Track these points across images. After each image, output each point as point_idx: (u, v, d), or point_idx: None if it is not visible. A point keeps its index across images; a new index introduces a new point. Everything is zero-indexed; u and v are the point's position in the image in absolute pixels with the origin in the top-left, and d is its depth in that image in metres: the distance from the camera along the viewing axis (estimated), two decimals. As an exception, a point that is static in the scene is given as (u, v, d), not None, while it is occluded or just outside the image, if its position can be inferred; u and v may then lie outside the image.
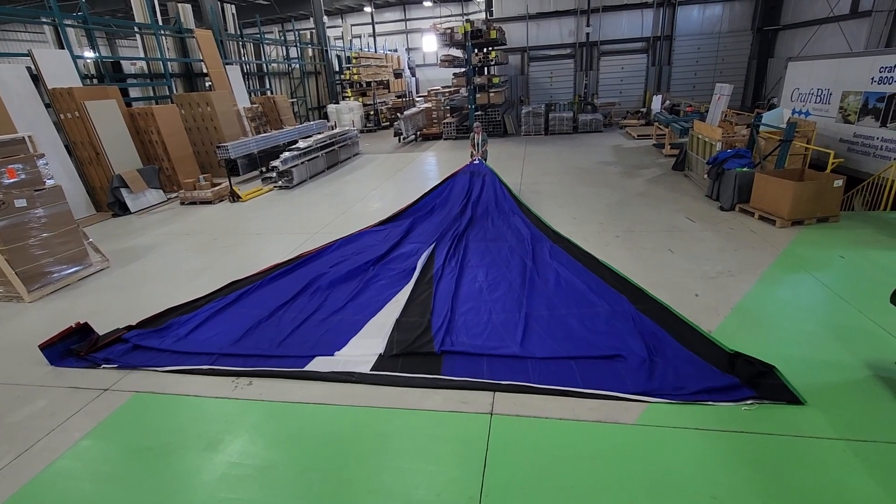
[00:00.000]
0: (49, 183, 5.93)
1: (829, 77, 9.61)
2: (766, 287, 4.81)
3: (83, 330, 4.38)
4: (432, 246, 6.04)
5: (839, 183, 6.34)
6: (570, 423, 3.14)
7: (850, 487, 2.55)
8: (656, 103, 15.88)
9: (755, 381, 3.31)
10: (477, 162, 8.40)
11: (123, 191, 9.27)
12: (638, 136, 14.79)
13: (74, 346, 4.27)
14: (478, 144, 8.97)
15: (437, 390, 3.54)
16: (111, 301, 5.42)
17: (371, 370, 3.76)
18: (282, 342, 4.19)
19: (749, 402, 3.18)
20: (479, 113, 16.44)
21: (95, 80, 11.34)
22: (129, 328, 4.53)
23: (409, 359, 3.87)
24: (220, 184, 10.05)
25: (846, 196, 7.56)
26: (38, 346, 4.18)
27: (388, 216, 7.41)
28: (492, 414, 3.26)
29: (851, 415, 3.04)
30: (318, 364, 3.87)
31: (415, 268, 5.41)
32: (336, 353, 3.99)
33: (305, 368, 3.84)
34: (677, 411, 3.16)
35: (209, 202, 9.69)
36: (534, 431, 3.09)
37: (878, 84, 8.29)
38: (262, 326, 4.44)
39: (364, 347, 4.03)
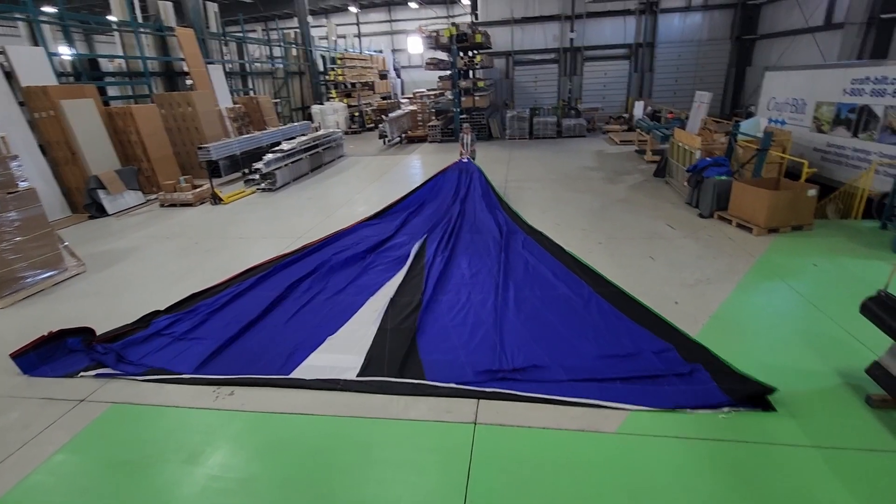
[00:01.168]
0: (22, 185, 5.77)
1: (804, 87, 9.89)
2: (742, 295, 4.93)
3: (59, 336, 4.28)
4: (424, 237, 6.59)
5: (813, 192, 6.53)
6: (552, 431, 3.17)
7: (821, 494, 2.63)
8: (638, 109, 16.13)
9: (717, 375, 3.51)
10: (465, 161, 8.95)
11: (101, 192, 9.06)
12: (620, 141, 15.00)
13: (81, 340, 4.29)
14: (467, 144, 9.55)
15: (421, 398, 3.55)
16: (86, 307, 5.29)
17: (368, 351, 4.06)
18: (289, 320, 4.65)
19: (726, 409, 3.26)
20: (464, 116, 16.49)
21: (72, 79, 11.08)
22: (157, 313, 4.86)
23: (397, 334, 4.28)
24: (201, 185, 9.89)
25: (819, 204, 7.78)
26: (10, 354, 4.06)
27: (382, 208, 7.94)
28: (475, 423, 3.27)
29: (823, 423, 3.14)
30: (326, 345, 4.24)
31: (408, 255, 5.95)
32: (339, 329, 4.45)
33: (292, 375, 3.86)
34: (658, 420, 3.22)
35: (190, 204, 9.53)
36: (517, 441, 3.11)
37: (850, 95, 8.56)
38: (278, 307, 4.90)
39: (363, 324, 4.50)
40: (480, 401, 3.49)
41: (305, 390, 3.70)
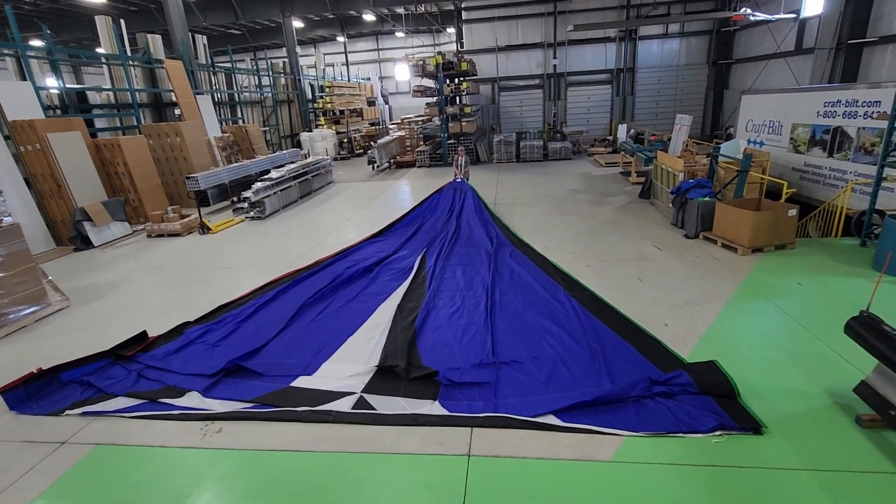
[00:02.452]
0: (6, 220, 5.70)
1: (780, 110, 10.24)
2: (730, 315, 4.99)
3: (52, 372, 4.25)
4: (424, 250, 7.22)
5: (793, 212, 6.69)
6: (547, 462, 3.14)
7: (817, 519, 2.62)
8: (622, 132, 16.52)
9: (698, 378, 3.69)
10: (459, 180, 9.74)
11: (86, 224, 8.97)
12: (606, 163, 15.30)
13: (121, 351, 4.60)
14: (461, 166, 10.52)
15: (415, 428, 3.51)
16: (69, 344, 5.17)
17: (384, 347, 4.48)
18: (311, 324, 5.11)
19: (718, 433, 3.26)
20: (451, 141, 16.74)
21: (59, 111, 11.08)
22: (188, 324, 5.20)
23: (404, 332, 4.73)
24: (189, 215, 9.85)
25: (801, 222, 7.97)
26: None
27: (384, 226, 8.58)
28: (469, 455, 3.23)
29: (815, 444, 3.15)
30: (346, 346, 4.67)
31: (412, 267, 6.55)
32: (357, 330, 4.94)
33: (317, 373, 4.21)
34: (652, 447, 3.20)
35: (178, 234, 9.46)
36: (512, 472, 3.07)
37: (823, 118, 8.88)
38: (302, 315, 5.33)
39: (377, 326, 4.99)
40: (473, 430, 3.45)
41: (297, 424, 3.63)
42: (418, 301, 5.50)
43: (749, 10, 14.73)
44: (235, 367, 4.31)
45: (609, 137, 19.04)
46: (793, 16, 14.40)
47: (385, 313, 5.23)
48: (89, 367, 4.44)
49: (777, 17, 14.67)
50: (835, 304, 5.11)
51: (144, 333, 4.94)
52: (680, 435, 3.27)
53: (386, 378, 4.09)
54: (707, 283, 5.80)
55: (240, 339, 4.86)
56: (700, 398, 3.54)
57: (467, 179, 10.05)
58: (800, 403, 3.55)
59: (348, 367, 4.27)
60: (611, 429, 3.36)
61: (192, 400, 3.96)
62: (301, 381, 4.13)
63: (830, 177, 8.76)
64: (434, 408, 3.69)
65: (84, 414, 3.87)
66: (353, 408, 3.74)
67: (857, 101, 8.10)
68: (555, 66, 20.53)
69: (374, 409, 3.72)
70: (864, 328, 3.28)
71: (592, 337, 4.49)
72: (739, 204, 7.07)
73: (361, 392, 3.92)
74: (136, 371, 4.37)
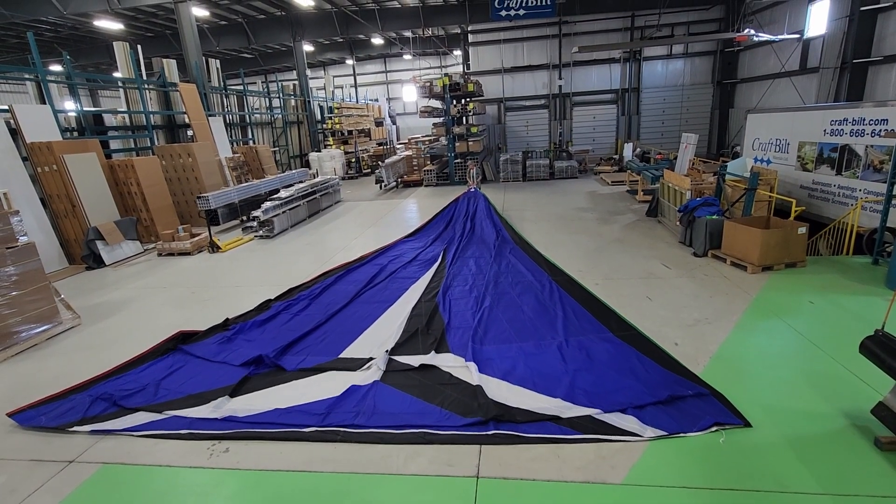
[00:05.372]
0: (22, 240, 5.81)
1: (786, 128, 10.27)
2: (742, 334, 4.92)
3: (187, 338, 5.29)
4: (444, 246, 8.77)
5: (803, 230, 6.65)
6: (557, 484, 3.08)
7: (838, 546, 2.54)
8: (628, 151, 16.59)
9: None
10: (473, 190, 11.44)
11: (99, 243, 9.10)
12: (612, 182, 15.34)
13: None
14: (473, 177, 12.75)
15: (423, 447, 3.49)
16: (80, 362, 5.20)
17: (412, 310, 5.92)
18: (359, 296, 6.58)
19: (713, 428, 3.45)
20: (458, 160, 16.91)
21: (76, 133, 11.36)
22: (270, 301, 6.42)
23: (428, 304, 6.10)
24: (199, 234, 9.96)
25: (811, 240, 7.91)
26: (7, 413, 4.04)
27: (416, 228, 10.23)
28: (478, 477, 3.18)
29: (833, 468, 3.07)
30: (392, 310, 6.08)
31: (437, 259, 8.08)
32: (395, 302, 6.31)
33: (364, 334, 5.38)
34: (665, 468, 3.14)
35: (188, 253, 9.56)
36: (521, 495, 3.02)
37: (831, 136, 8.88)
38: (361, 294, 6.69)
39: (409, 299, 6.38)
40: (483, 450, 3.41)
41: (304, 444, 3.61)
42: (439, 283, 6.92)
43: (753, 31, 14.90)
44: (303, 336, 5.34)
45: (615, 156, 19.13)
46: (796, 36, 14.54)
47: (416, 291, 6.66)
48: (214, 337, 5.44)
49: (781, 37, 14.82)
50: (848, 322, 5.03)
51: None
52: (682, 435, 3.41)
53: (409, 342, 5.10)
54: (717, 302, 5.74)
55: (314, 310, 6.12)
56: (694, 402, 3.77)
57: (479, 188, 11.94)
58: (816, 425, 3.48)
59: (384, 332, 5.36)
60: (615, 413, 3.69)
61: (217, 408, 4.11)
62: (348, 351, 5.01)
63: (839, 194, 8.71)
64: (439, 356, 4.74)
65: (93, 432, 3.88)
66: (385, 365, 4.60)
67: (864, 119, 8.11)
68: (560, 86, 20.78)
69: (403, 364, 4.64)
70: (880, 347, 3.23)
71: (558, 304, 5.81)
72: (748, 222, 7.04)
73: (389, 354, 4.80)
74: (228, 336, 5.39)
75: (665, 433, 3.44)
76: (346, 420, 3.82)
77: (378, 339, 5.21)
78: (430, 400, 4.03)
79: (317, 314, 5.94)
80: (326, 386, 4.33)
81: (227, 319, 5.84)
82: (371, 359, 4.74)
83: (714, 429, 3.45)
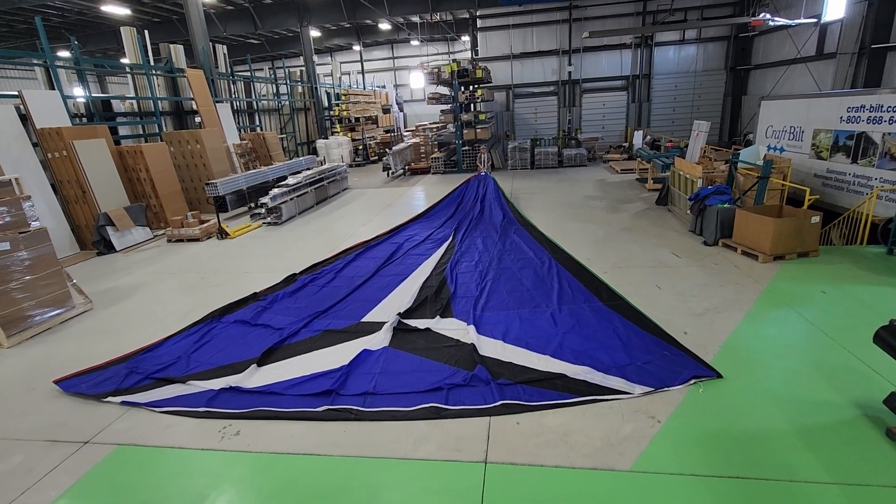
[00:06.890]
0: (34, 225, 5.86)
1: (801, 115, 10.06)
2: (752, 324, 4.88)
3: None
4: (455, 226, 9.33)
5: (816, 219, 6.54)
6: (564, 470, 3.10)
7: (848, 535, 2.54)
8: (637, 138, 16.38)
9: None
10: (483, 174, 11.84)
11: (109, 229, 9.18)
12: (621, 170, 15.18)
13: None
14: (484, 161, 13.57)
15: (430, 431, 3.52)
16: (92, 345, 5.28)
17: (425, 281, 6.50)
18: (380, 272, 7.09)
19: (692, 381, 3.84)
20: (466, 148, 16.79)
21: (85, 119, 11.39)
22: (295, 275, 6.95)
23: (439, 276, 6.63)
24: (207, 221, 10.01)
25: (824, 230, 7.79)
26: (53, 381, 4.42)
27: (426, 208, 10.80)
28: (486, 462, 3.20)
29: (844, 457, 3.05)
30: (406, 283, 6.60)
31: (448, 237, 8.62)
32: (411, 274, 6.89)
33: (384, 301, 5.93)
34: (673, 456, 3.14)
35: (196, 239, 9.62)
36: (529, 481, 3.04)
37: (847, 123, 8.70)
38: (381, 269, 7.21)
39: (422, 272, 6.98)
40: (490, 435, 3.43)
41: (314, 425, 3.65)
42: (448, 258, 7.46)
43: (769, 15, 14.56)
44: (334, 304, 5.89)
45: (624, 144, 18.89)
46: (813, 20, 14.19)
47: (428, 266, 7.19)
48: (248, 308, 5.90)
49: (797, 21, 14.47)
50: (861, 313, 4.97)
51: (254, 294, 6.35)
52: (665, 389, 3.78)
53: (419, 308, 5.61)
54: (727, 291, 5.69)
55: (340, 282, 6.71)
56: (672, 358, 4.19)
57: (489, 173, 12.44)
58: (827, 415, 3.45)
59: (399, 300, 5.86)
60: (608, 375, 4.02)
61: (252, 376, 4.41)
62: (368, 316, 5.53)
63: (854, 183, 8.56)
64: (444, 321, 5.25)
65: (123, 403, 4.07)
66: (394, 326, 5.09)
67: (882, 107, 7.92)
68: (570, 72, 20.50)
69: (411, 326, 5.13)
70: (894, 337, 3.18)
71: (555, 277, 6.28)
72: (760, 210, 6.94)
73: (401, 317, 5.28)
74: (263, 305, 5.90)
75: (652, 389, 3.80)
76: (361, 386, 4.07)
77: (394, 306, 5.72)
78: (436, 360, 4.48)
79: (342, 286, 6.54)
80: (346, 353, 4.65)
81: (256, 293, 6.29)
82: (387, 322, 5.23)
83: (692, 382, 3.86)
